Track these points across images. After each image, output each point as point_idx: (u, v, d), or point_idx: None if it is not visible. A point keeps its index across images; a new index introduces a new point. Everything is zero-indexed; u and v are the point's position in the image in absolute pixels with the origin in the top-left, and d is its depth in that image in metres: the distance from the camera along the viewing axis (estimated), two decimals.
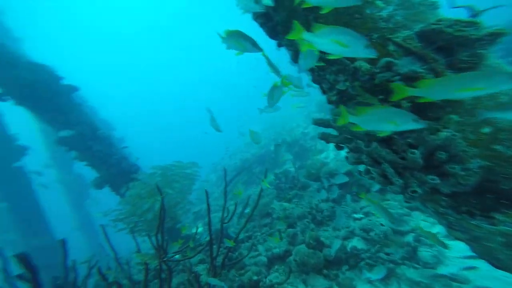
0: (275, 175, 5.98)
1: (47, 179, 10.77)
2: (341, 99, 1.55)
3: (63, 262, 2.95)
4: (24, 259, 2.22)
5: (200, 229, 5.05)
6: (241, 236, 4.19)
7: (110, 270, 3.86)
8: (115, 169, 6.13)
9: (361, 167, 1.60)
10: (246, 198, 6.29)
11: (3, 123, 7.50)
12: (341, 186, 4.40)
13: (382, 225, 3.29)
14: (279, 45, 2.05)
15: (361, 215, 3.68)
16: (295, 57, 1.88)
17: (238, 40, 1.60)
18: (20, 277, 2.41)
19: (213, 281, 2.65)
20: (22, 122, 8.47)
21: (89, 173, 6.45)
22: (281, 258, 3.55)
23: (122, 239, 5.03)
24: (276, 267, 3.48)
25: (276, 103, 2.18)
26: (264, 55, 1.98)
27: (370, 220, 3.45)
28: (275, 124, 11.69)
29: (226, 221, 3.33)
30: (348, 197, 4.16)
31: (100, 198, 11.77)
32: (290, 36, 1.20)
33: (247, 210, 4.96)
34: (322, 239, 3.42)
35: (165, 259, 2.75)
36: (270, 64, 2.34)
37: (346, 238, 3.43)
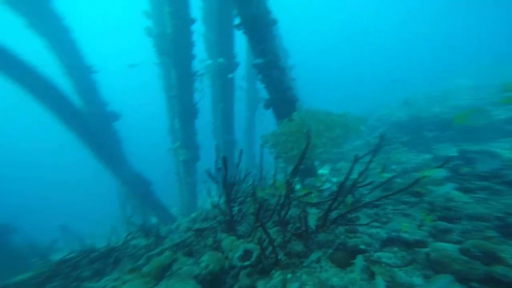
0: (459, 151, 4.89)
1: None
2: None
3: (237, 164, 4.02)
4: (224, 159, 3.26)
5: (327, 185, 5.21)
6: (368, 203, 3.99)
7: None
8: (281, 95, 6.91)
9: None
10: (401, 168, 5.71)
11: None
12: None
13: None
14: None
15: None
16: None
17: None
18: (218, 169, 3.66)
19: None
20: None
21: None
22: (408, 245, 3.08)
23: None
24: (395, 249, 3.08)
25: None
26: None
27: None
28: None
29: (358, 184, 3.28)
30: None
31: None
32: None
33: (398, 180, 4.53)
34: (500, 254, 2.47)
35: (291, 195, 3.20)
36: None
37: None
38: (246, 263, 2.73)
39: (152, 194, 9.99)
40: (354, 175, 3.47)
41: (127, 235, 5.21)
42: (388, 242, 3.21)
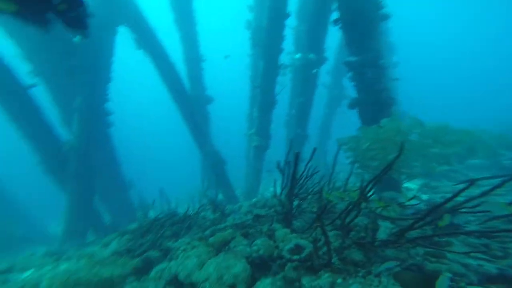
0: None
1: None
2: None
3: (308, 160, 4.09)
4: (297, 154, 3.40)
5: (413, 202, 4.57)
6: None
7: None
8: (372, 96, 6.22)
9: None
10: None
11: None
12: None
13: None
14: None
15: None
16: None
17: None
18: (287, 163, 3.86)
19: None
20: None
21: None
22: None
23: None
24: None
25: None
26: None
27: None
28: None
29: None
30: None
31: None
32: None
33: None
34: None
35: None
36: None
37: None
38: (295, 257, 2.79)
39: (225, 172, 11.00)
40: (459, 199, 2.87)
41: (200, 207, 5.98)
42: (498, 279, 2.47)
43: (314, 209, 4.26)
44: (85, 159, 8.04)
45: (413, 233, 2.79)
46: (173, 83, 9.63)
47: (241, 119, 13.74)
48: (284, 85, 10.51)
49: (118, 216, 9.14)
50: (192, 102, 10.32)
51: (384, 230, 3.26)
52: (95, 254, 5.01)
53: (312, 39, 9.50)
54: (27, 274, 5.10)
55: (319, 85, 11.25)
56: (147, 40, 8.81)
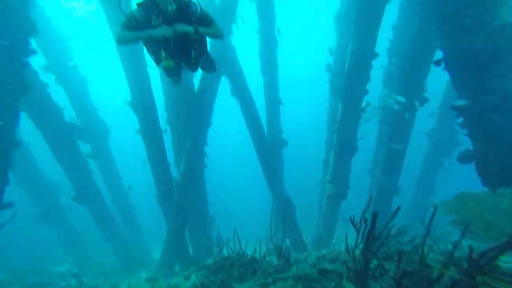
0: None
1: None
2: None
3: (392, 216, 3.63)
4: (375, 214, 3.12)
5: None
6: None
7: None
8: (503, 147, 4.81)
9: None
10: None
11: None
12: None
13: None
14: None
15: None
16: None
17: None
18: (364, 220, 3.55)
19: None
20: None
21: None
22: None
23: None
24: None
25: None
26: None
27: None
28: None
29: None
30: None
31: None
32: None
33: None
34: None
35: None
36: None
37: None
38: None
39: (294, 218, 10.46)
40: None
41: (265, 251, 5.90)
42: None
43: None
44: (185, 196, 9.10)
45: None
46: (255, 128, 10.32)
47: (316, 164, 13.45)
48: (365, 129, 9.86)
49: (199, 250, 9.73)
50: (268, 146, 10.72)
51: None
52: (179, 285, 5.96)
53: (407, 79, 8.49)
54: None
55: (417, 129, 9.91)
56: (240, 88, 9.88)
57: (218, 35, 3.51)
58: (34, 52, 6.59)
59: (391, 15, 9.84)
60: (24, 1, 6.02)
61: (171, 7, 3.08)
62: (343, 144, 9.12)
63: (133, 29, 3.23)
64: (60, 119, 8.91)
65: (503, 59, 4.84)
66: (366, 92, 8.77)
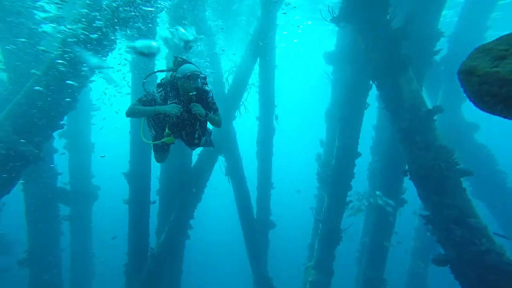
0: None
1: None
2: None
3: None
4: None
5: None
6: None
7: None
8: (472, 257, 5.05)
9: None
10: None
11: None
12: None
13: None
14: None
15: None
16: None
17: None
18: None
19: None
20: None
21: None
22: None
23: None
24: None
25: None
26: None
27: None
28: None
29: None
30: None
31: None
32: None
33: None
34: None
35: None
36: None
37: None
38: None
39: None
40: None
41: None
42: None
43: None
44: (159, 267, 8.57)
45: None
46: (244, 208, 10.48)
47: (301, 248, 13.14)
48: (353, 221, 10.13)
49: None
50: (255, 226, 10.71)
51: None
52: None
53: (388, 178, 9.22)
54: None
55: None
56: (235, 168, 10.46)
57: (219, 124, 3.80)
58: (63, 126, 6.87)
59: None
60: None
61: (193, 93, 3.34)
62: (328, 233, 9.19)
63: (147, 104, 3.39)
64: (53, 184, 8.84)
65: (448, 177, 5.52)
66: (350, 188, 9.30)
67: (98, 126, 12.68)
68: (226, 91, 10.26)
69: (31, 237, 8.78)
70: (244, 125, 12.83)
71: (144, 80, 3.70)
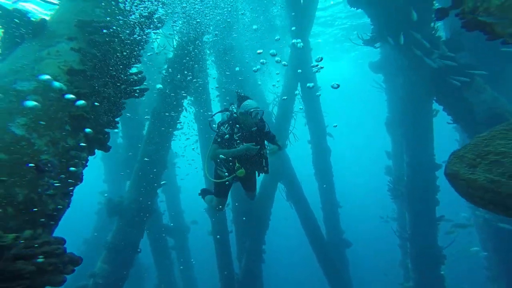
0: None
1: None
2: None
3: None
4: None
5: None
6: None
7: None
8: None
9: None
10: None
11: None
12: None
13: None
14: None
15: None
16: None
17: None
18: None
19: None
20: None
21: None
22: None
23: None
24: None
25: None
26: None
27: None
28: None
29: None
30: None
31: None
32: None
33: None
34: None
35: None
36: None
37: None
38: None
39: None
40: None
41: None
42: None
43: None
44: None
45: None
46: (310, 228, 10.71)
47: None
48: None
49: None
50: (326, 247, 10.82)
51: None
52: None
53: None
54: None
55: None
56: (295, 193, 10.92)
57: (283, 147, 4.46)
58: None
59: None
60: None
61: (254, 129, 3.83)
62: (421, 253, 8.44)
63: (223, 143, 3.78)
64: (160, 222, 11.55)
65: None
66: (437, 202, 8.29)
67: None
68: (274, 122, 11.09)
69: (158, 267, 11.82)
70: (303, 148, 13.20)
71: (210, 119, 4.44)
